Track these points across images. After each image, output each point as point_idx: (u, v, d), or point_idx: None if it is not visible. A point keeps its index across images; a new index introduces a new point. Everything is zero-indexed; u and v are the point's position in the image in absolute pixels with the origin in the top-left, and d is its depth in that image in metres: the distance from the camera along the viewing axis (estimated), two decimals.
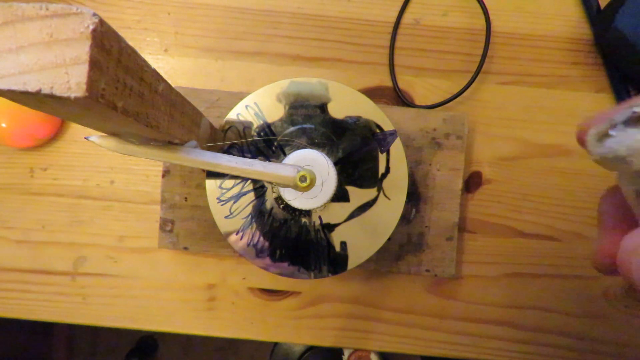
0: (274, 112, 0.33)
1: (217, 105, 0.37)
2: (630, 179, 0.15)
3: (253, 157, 0.32)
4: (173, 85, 0.21)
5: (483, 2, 0.38)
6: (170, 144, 0.23)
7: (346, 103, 0.33)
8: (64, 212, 0.38)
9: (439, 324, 0.38)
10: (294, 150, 0.31)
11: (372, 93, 0.39)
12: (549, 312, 0.38)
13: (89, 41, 0.13)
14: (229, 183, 0.33)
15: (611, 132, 0.16)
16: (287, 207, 0.32)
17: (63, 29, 0.13)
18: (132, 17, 0.39)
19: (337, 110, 0.33)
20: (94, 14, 0.13)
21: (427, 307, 0.38)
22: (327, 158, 0.30)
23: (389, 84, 0.39)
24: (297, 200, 0.30)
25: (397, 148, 0.33)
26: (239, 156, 0.26)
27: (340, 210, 0.32)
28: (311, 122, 0.33)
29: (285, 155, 0.32)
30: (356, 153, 0.33)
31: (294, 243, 0.32)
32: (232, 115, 0.33)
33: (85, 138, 0.22)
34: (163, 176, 0.37)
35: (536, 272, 0.38)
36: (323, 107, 0.33)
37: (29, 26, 0.13)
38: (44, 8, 0.13)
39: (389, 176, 0.33)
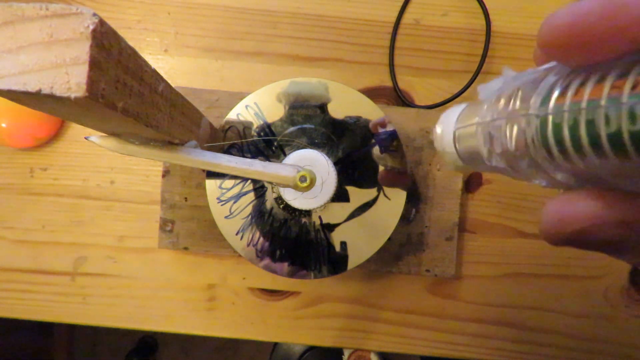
0: (274, 112, 0.33)
1: (217, 105, 0.37)
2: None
3: (253, 157, 0.32)
4: (173, 85, 0.21)
5: (483, 2, 0.38)
6: (170, 144, 0.23)
7: (346, 103, 0.33)
8: (64, 212, 0.38)
9: (439, 324, 0.38)
10: (294, 150, 0.31)
11: (372, 93, 0.39)
12: (549, 312, 0.38)
13: (89, 41, 0.13)
14: (229, 183, 0.33)
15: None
16: (287, 207, 0.32)
17: (63, 29, 0.13)
18: (132, 17, 0.39)
19: (337, 110, 0.33)
20: (94, 14, 0.13)
21: (427, 307, 0.38)
22: (327, 158, 0.30)
23: (389, 84, 0.39)
24: (297, 200, 0.30)
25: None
26: (239, 156, 0.26)
27: (340, 210, 0.32)
28: (311, 122, 0.33)
29: (285, 155, 0.32)
30: (356, 153, 0.33)
31: (294, 243, 0.32)
32: (232, 115, 0.33)
33: (85, 138, 0.22)
34: (163, 176, 0.37)
35: (536, 272, 0.38)
36: (323, 107, 0.33)
37: (29, 26, 0.13)
38: (44, 8, 0.13)
39: None
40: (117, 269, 0.38)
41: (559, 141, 0.10)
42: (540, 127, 0.11)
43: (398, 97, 0.39)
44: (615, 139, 0.09)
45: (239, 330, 0.38)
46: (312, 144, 0.32)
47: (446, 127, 0.17)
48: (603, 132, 0.09)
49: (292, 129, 0.33)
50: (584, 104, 0.09)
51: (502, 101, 0.13)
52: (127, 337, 1.12)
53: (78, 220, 0.38)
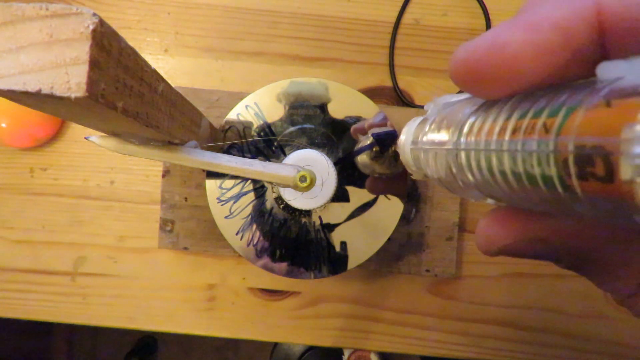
0: (274, 112, 0.33)
1: (217, 105, 0.37)
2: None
3: (253, 157, 0.32)
4: (173, 85, 0.21)
5: (483, 2, 0.38)
6: (170, 144, 0.23)
7: (346, 103, 0.33)
8: (64, 212, 0.38)
9: (439, 324, 0.38)
10: (294, 150, 0.31)
11: (372, 93, 0.39)
12: (549, 312, 0.38)
13: (89, 41, 0.13)
14: (229, 183, 0.33)
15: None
16: (287, 207, 0.32)
17: (63, 29, 0.13)
18: (132, 17, 0.39)
19: (337, 110, 0.33)
20: (94, 14, 0.13)
21: (427, 307, 0.38)
22: (327, 158, 0.30)
23: (389, 84, 0.39)
24: (297, 200, 0.30)
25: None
26: (239, 156, 0.26)
27: (340, 210, 0.32)
28: (311, 122, 0.33)
29: (285, 155, 0.32)
30: (356, 153, 0.33)
31: (294, 243, 0.32)
32: (232, 115, 0.33)
33: (85, 138, 0.22)
34: (163, 176, 0.37)
35: (536, 272, 0.38)
36: (323, 107, 0.33)
37: (29, 26, 0.13)
38: (44, 8, 0.13)
39: None
40: (117, 269, 0.38)
41: (471, 172, 0.12)
42: (456, 159, 0.12)
43: (398, 97, 0.39)
44: (504, 175, 0.10)
45: (239, 330, 0.38)
46: (312, 144, 0.32)
47: (407, 139, 0.18)
48: (496, 170, 0.10)
49: (292, 129, 0.33)
50: (481, 145, 0.11)
51: (434, 128, 0.15)
52: (127, 337, 1.12)
53: (78, 220, 0.38)
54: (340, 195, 0.32)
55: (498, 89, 0.10)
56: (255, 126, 0.33)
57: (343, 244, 0.32)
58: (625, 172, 0.07)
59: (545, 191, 0.09)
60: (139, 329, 0.38)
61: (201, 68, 0.39)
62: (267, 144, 0.33)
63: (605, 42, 0.09)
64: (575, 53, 0.09)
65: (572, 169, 0.08)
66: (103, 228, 0.38)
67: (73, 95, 0.13)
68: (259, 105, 0.33)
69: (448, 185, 0.14)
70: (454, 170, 0.13)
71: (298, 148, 0.31)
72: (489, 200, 0.13)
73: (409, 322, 0.38)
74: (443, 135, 0.14)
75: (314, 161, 0.30)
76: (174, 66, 0.39)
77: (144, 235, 0.38)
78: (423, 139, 0.16)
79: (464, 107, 0.13)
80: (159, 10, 0.39)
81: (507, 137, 0.10)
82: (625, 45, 0.09)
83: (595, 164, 0.07)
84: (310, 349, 0.94)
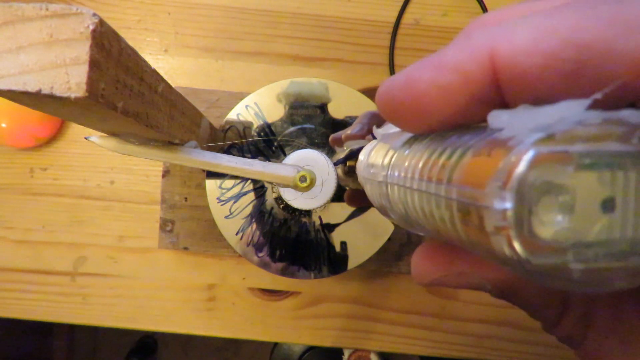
0: (274, 112, 0.33)
1: (217, 105, 0.37)
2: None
3: (253, 157, 0.32)
4: (173, 85, 0.21)
5: (483, 2, 0.38)
6: (170, 144, 0.23)
7: (346, 103, 0.33)
8: (64, 212, 0.38)
9: (439, 324, 0.38)
10: (294, 150, 0.31)
11: (372, 93, 0.39)
12: None
13: (88, 41, 0.13)
14: (229, 183, 0.33)
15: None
16: (287, 207, 0.32)
17: (63, 29, 0.13)
18: (132, 17, 0.39)
19: (337, 110, 0.33)
20: (94, 14, 0.13)
21: (427, 307, 0.38)
22: (327, 158, 0.30)
23: None
24: (297, 200, 0.30)
25: None
26: (239, 156, 0.26)
27: (340, 210, 0.32)
28: (311, 122, 0.33)
29: (285, 155, 0.32)
30: (356, 153, 0.33)
31: (294, 243, 0.32)
32: (232, 115, 0.33)
33: (85, 138, 0.22)
34: (163, 176, 0.37)
35: None
36: (323, 107, 0.33)
37: (29, 26, 0.13)
38: (44, 8, 0.13)
39: None
40: (117, 269, 0.38)
41: (396, 205, 0.12)
42: (386, 191, 0.13)
43: None
44: (413, 211, 0.11)
45: (239, 330, 0.38)
46: (312, 144, 0.32)
47: (363, 160, 0.18)
48: (410, 205, 0.11)
49: (292, 129, 0.33)
50: (401, 180, 0.11)
51: (372, 157, 0.15)
52: (127, 337, 1.12)
53: (78, 220, 0.38)
54: (340, 195, 0.32)
55: (414, 125, 0.11)
56: (255, 126, 0.33)
57: (343, 244, 0.32)
58: (488, 224, 0.07)
59: (449, 230, 0.09)
60: (139, 329, 0.38)
61: (201, 68, 0.39)
62: (267, 144, 0.33)
63: (501, 88, 0.09)
64: (475, 96, 0.09)
65: (456, 215, 0.08)
66: (103, 228, 0.38)
67: (73, 95, 0.13)
68: (259, 105, 0.33)
69: (385, 214, 0.15)
70: (383, 202, 0.13)
71: (298, 148, 0.31)
72: (420, 232, 0.13)
73: (409, 322, 0.38)
74: (377, 167, 0.14)
75: (314, 161, 0.30)
76: (174, 66, 0.39)
77: (144, 235, 0.38)
78: (363, 167, 0.16)
79: (396, 139, 0.13)
80: (159, 10, 0.39)
81: (416, 175, 0.10)
82: (517, 92, 0.09)
83: (471, 213, 0.08)
84: (310, 349, 0.94)
